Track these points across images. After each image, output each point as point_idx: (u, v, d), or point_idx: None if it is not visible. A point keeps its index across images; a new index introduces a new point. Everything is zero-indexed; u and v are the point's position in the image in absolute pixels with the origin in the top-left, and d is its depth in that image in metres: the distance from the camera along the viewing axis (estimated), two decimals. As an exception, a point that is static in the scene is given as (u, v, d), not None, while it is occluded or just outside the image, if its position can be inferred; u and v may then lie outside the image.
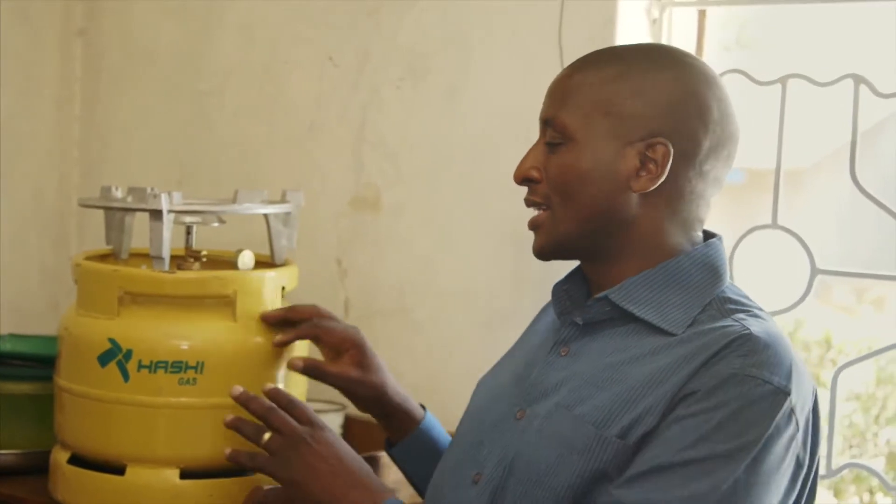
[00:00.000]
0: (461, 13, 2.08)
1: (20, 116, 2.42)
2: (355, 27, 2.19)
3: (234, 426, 1.46)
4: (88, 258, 1.69)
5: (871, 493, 4.59)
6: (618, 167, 1.27)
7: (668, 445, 1.19)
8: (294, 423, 1.43)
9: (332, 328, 1.59)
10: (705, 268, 1.31)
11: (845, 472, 1.98)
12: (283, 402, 1.46)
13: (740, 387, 1.19)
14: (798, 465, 1.24)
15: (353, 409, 1.99)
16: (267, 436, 1.42)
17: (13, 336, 2.15)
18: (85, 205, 1.71)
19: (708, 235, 1.35)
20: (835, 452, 1.90)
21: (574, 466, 1.24)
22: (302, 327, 1.60)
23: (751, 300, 1.32)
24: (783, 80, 1.90)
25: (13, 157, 2.40)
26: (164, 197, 1.58)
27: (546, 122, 1.32)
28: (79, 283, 1.65)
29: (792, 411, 1.21)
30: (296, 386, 1.69)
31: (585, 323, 1.32)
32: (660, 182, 1.28)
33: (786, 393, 1.20)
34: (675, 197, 1.30)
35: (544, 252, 1.33)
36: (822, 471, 1.90)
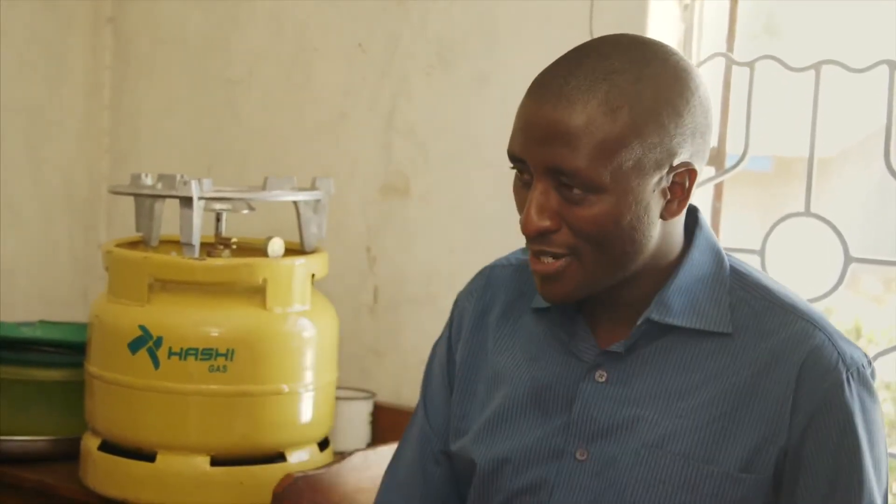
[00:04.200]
0: (490, 0, 2.07)
1: (50, 105, 2.43)
2: (384, 14, 2.18)
3: None
4: (119, 245, 1.70)
5: (901, 482, 4.56)
6: (652, 203, 1.18)
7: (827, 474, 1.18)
8: None
9: None
10: (710, 252, 1.25)
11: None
12: None
13: (854, 385, 1.19)
14: None
15: (381, 397, 1.99)
16: None
17: (43, 323, 2.15)
18: (115, 192, 1.71)
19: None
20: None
21: None
22: None
23: (752, 267, 1.28)
24: (817, 67, 1.88)
25: (43, 145, 2.41)
26: (194, 184, 1.58)
27: (553, 171, 1.17)
28: (109, 270, 1.66)
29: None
30: (326, 373, 1.68)
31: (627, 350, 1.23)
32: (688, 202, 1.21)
33: (863, 353, 1.21)
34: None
35: (569, 300, 1.22)
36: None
